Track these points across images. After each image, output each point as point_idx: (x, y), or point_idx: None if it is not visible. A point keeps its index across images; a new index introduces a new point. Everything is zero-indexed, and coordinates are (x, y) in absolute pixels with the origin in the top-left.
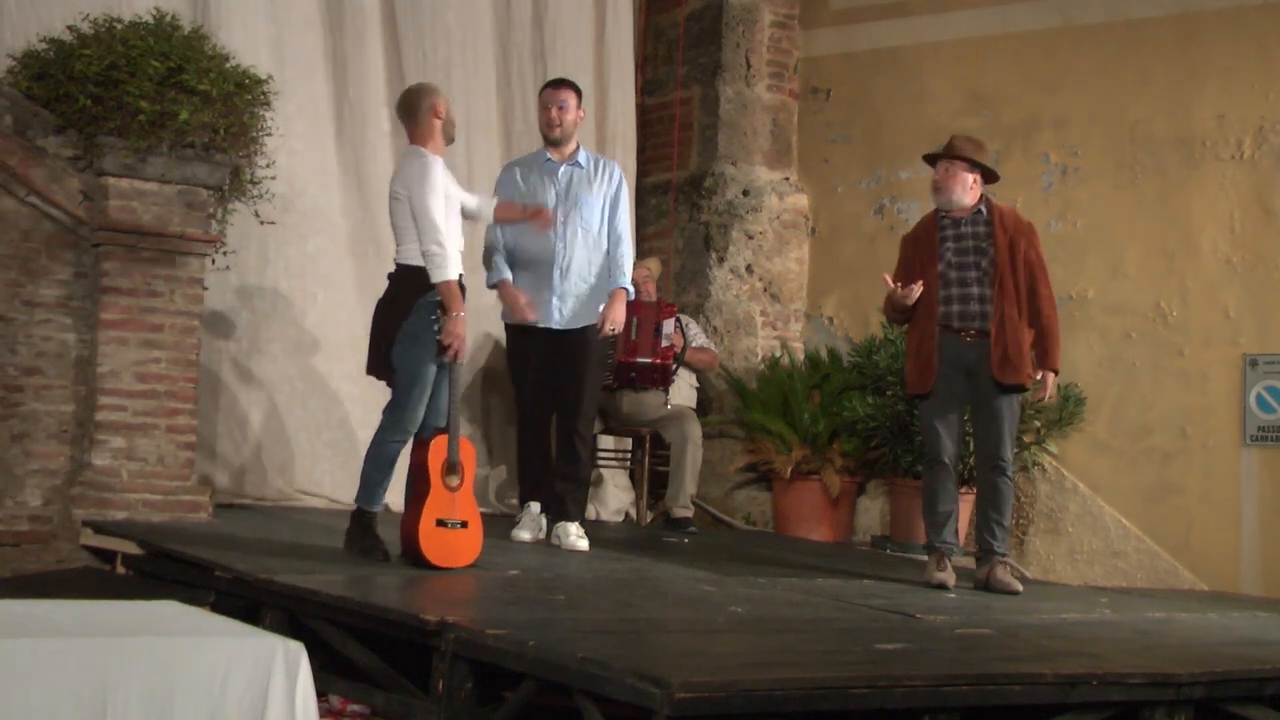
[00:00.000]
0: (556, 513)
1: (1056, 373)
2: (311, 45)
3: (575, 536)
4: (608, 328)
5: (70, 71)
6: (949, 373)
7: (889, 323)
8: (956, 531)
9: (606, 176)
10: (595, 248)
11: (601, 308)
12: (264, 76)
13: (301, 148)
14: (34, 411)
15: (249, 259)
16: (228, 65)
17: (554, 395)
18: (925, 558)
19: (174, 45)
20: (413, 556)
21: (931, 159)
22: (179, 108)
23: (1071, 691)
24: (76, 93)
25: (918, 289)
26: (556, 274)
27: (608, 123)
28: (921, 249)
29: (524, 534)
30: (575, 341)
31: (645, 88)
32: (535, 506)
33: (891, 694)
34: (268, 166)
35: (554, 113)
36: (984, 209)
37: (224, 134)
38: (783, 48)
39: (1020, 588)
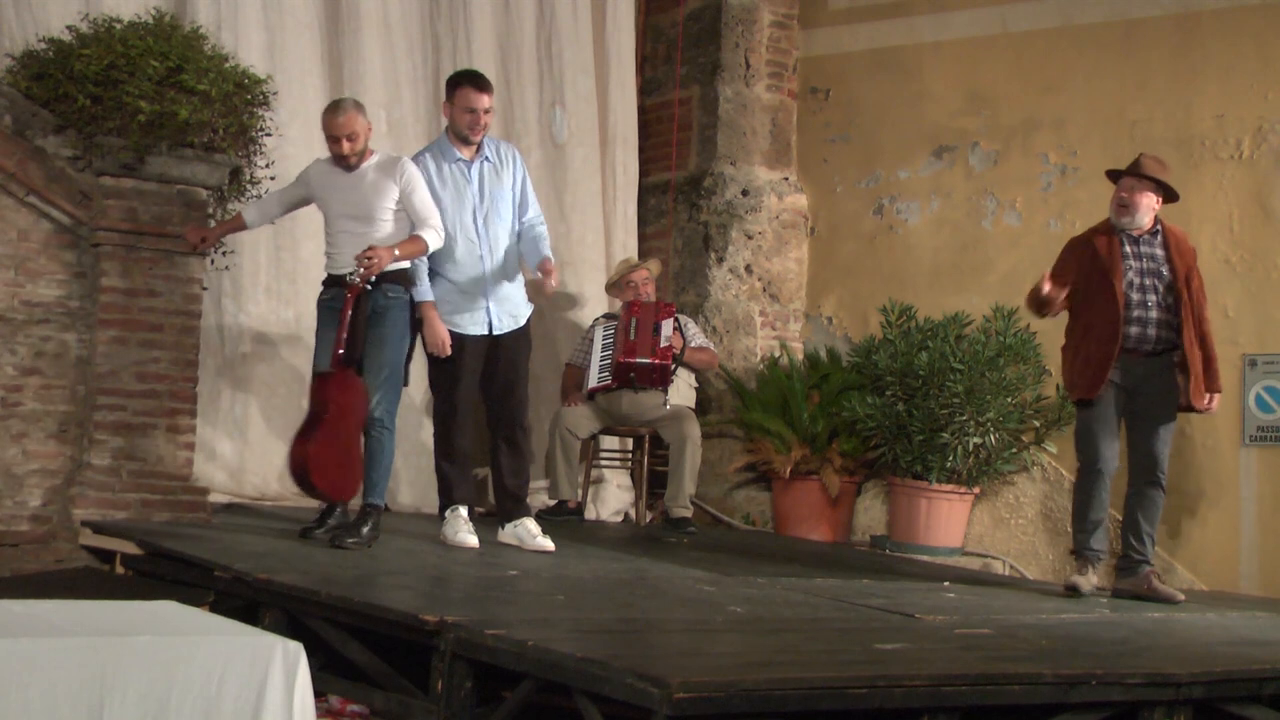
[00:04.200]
0: (513, 511)
1: (1220, 392)
2: (307, 48)
3: (541, 537)
4: (553, 283)
5: (69, 71)
6: (1115, 387)
7: (1033, 308)
8: (1106, 539)
9: (511, 162)
10: (513, 242)
11: (527, 304)
12: (263, 76)
13: (294, 153)
14: (34, 411)
15: (249, 259)
16: (227, 65)
17: (493, 398)
18: (928, 559)
19: (173, 45)
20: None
21: (1115, 175)
22: (178, 108)
23: (1071, 691)
24: (76, 93)
25: (1063, 292)
26: (487, 280)
27: (608, 123)
28: (1100, 262)
29: (472, 539)
30: (509, 344)
31: (644, 88)
32: (465, 510)
33: (891, 694)
34: (267, 166)
35: (481, 117)
36: (1159, 230)
37: (223, 134)
38: (782, 48)
39: (1182, 597)
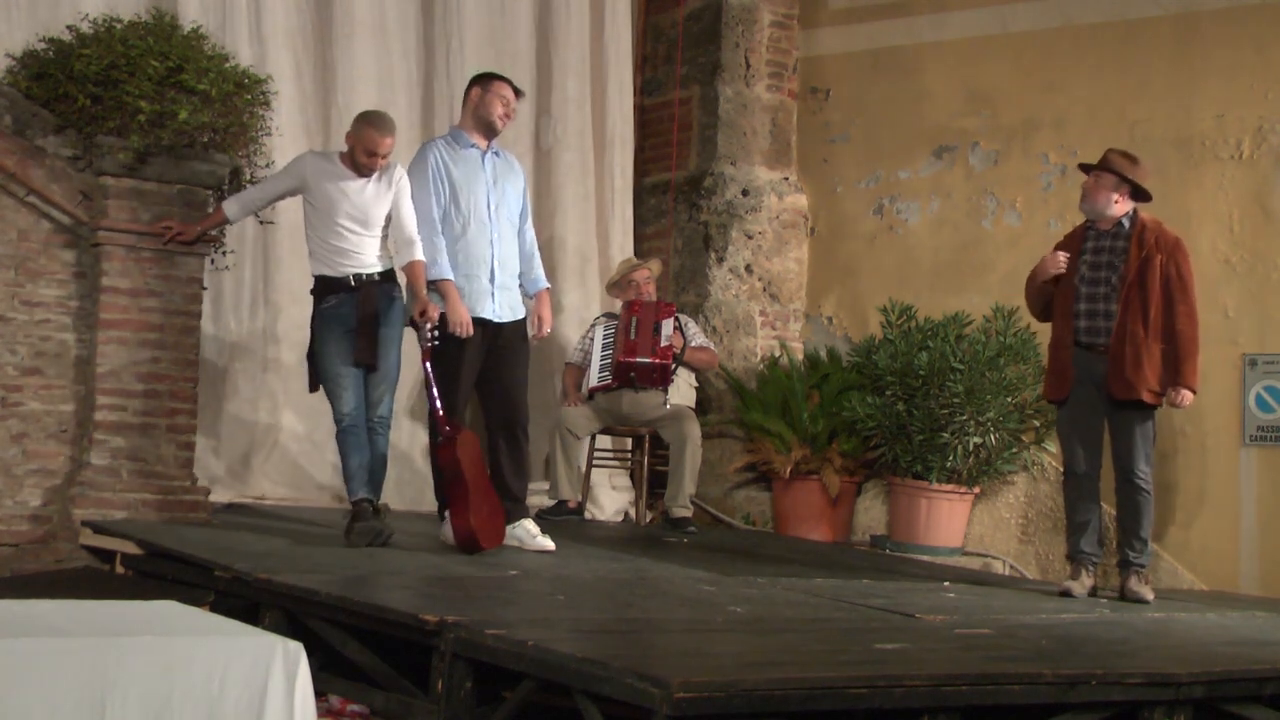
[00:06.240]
0: (513, 512)
1: (1193, 390)
2: (299, 53)
3: (541, 537)
4: (545, 330)
5: (70, 71)
6: (1083, 385)
7: (1033, 302)
8: (1099, 541)
9: (520, 169)
10: (515, 239)
11: (523, 306)
12: (263, 76)
13: (289, 158)
14: (34, 411)
15: (249, 259)
16: (227, 65)
17: (493, 392)
18: (928, 559)
19: (173, 45)
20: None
21: (1086, 168)
22: (178, 107)
23: (1071, 691)
24: (76, 92)
25: (1063, 258)
26: (495, 265)
27: (606, 124)
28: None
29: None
30: (508, 341)
31: (644, 88)
32: None
33: (891, 694)
34: (267, 166)
35: (512, 109)
36: (1126, 223)
37: (224, 134)
38: (782, 48)
39: (1151, 597)
